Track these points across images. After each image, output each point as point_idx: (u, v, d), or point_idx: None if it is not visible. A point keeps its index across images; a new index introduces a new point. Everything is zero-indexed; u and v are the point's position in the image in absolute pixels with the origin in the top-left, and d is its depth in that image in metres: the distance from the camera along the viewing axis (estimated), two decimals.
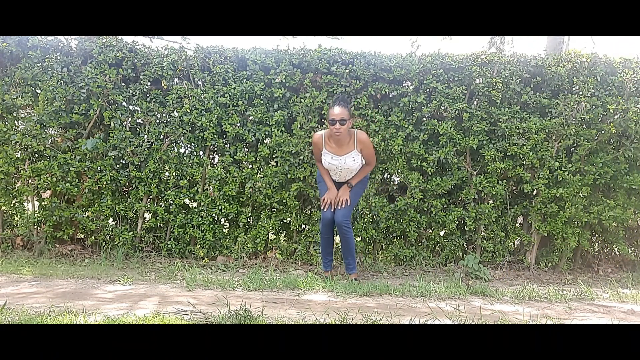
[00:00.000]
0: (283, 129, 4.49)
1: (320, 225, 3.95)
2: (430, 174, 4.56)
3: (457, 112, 4.49)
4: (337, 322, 2.54)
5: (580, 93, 4.49)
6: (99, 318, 2.44)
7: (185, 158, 4.59)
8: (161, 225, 4.64)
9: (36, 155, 4.48)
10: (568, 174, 4.40)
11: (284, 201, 4.48)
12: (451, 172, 4.59)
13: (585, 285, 3.96)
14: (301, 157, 4.45)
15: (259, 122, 4.53)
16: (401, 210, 4.50)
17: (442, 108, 4.48)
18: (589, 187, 4.46)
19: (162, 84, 4.51)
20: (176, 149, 4.64)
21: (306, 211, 4.73)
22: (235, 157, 4.54)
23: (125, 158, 4.48)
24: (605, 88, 4.51)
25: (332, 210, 3.78)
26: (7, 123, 4.41)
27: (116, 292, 3.22)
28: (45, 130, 4.46)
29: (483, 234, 4.63)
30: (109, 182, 4.41)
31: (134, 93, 4.50)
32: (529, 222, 4.72)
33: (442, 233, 4.73)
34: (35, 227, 4.48)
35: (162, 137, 4.57)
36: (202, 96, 4.47)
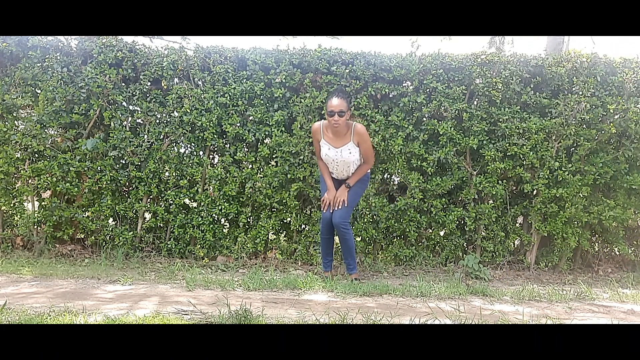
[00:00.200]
0: (283, 129, 4.49)
1: (320, 225, 3.95)
2: (430, 174, 4.56)
3: (457, 112, 4.49)
4: (337, 322, 2.54)
5: (580, 93, 4.49)
6: (99, 318, 2.44)
7: (185, 158, 4.59)
8: (161, 225, 4.64)
9: (36, 155, 4.48)
10: (568, 174, 4.40)
11: (284, 201, 4.48)
12: (451, 172, 4.59)
13: (585, 285, 3.96)
14: (301, 157, 4.45)
15: (259, 122, 4.53)
16: (401, 210, 4.50)
17: (442, 108, 4.48)
18: (589, 187, 4.46)
19: (162, 84, 4.51)
20: (176, 149, 4.64)
21: (306, 211, 4.73)
22: (235, 157, 4.54)
23: (125, 158, 4.48)
24: (605, 88, 4.51)
25: (331, 211, 3.77)
26: (7, 123, 4.41)
27: (116, 292, 3.22)
28: (45, 130, 4.46)
29: (483, 234, 4.63)
30: (109, 182, 4.41)
31: (134, 93, 4.50)
32: (529, 222, 4.72)
33: (442, 233, 4.73)
34: (35, 227, 4.48)
35: (162, 137, 4.57)
36: (202, 96, 4.47)
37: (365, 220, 4.55)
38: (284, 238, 4.82)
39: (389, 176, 4.80)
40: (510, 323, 2.69)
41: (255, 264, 4.39)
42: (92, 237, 4.51)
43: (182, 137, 4.55)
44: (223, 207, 4.46)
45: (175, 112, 4.53)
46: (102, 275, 3.74)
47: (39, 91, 4.50)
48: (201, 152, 4.68)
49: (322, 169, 3.85)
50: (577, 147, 4.54)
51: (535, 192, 4.61)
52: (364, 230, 4.48)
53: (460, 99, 4.51)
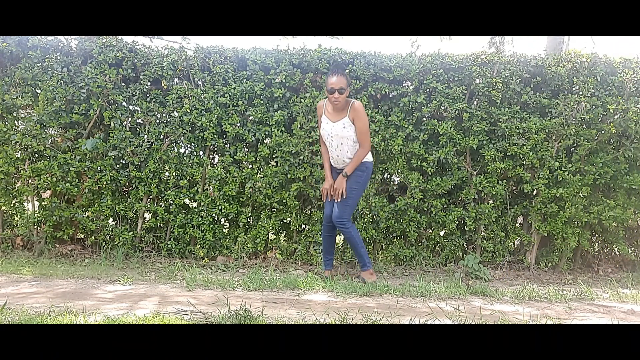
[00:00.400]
0: (283, 129, 4.49)
1: (322, 223, 3.97)
2: (430, 174, 4.56)
3: (457, 112, 4.49)
4: (337, 322, 2.54)
5: (580, 93, 4.49)
6: (99, 318, 2.44)
7: (185, 158, 4.59)
8: (161, 225, 4.64)
9: (36, 155, 4.48)
10: (568, 174, 4.40)
11: (284, 201, 4.48)
12: (451, 172, 4.59)
13: (585, 285, 3.96)
14: (301, 157, 4.45)
15: (259, 122, 4.53)
16: (401, 210, 4.50)
17: (442, 108, 4.48)
18: (589, 187, 4.46)
19: (162, 84, 4.51)
20: (176, 149, 4.64)
21: (306, 211, 4.73)
22: (235, 157, 4.54)
23: (125, 158, 4.48)
24: (605, 88, 4.51)
25: (329, 200, 3.79)
26: (7, 123, 4.41)
27: (116, 292, 3.22)
28: (45, 130, 4.46)
29: (483, 234, 4.63)
30: (109, 182, 4.41)
31: (134, 93, 4.50)
32: (529, 222, 4.72)
33: (442, 233, 4.73)
34: (35, 227, 4.48)
35: (162, 137, 4.57)
36: (202, 96, 4.47)
37: (365, 220, 4.55)
38: (284, 238, 4.82)
39: (389, 176, 4.80)
40: (510, 323, 2.69)
41: (255, 264, 4.39)
42: (92, 237, 4.51)
43: (182, 137, 4.55)
44: (223, 207, 4.46)
45: (175, 112, 4.53)
46: (102, 275, 3.74)
47: (39, 91, 4.50)
48: (201, 152, 4.68)
49: (323, 154, 3.85)
50: (577, 147, 4.54)
51: (535, 192, 4.61)
52: (364, 230, 4.48)
53: (460, 99, 4.51)
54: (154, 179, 4.46)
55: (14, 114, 4.50)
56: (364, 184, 3.82)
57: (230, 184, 4.44)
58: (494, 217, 4.54)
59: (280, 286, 3.52)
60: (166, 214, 4.51)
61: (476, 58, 4.53)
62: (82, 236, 4.74)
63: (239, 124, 4.53)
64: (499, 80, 4.43)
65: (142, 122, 4.56)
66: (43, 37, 4.45)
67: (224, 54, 4.55)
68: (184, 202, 4.61)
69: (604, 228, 4.68)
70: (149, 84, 4.52)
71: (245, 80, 4.52)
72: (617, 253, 4.98)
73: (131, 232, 4.47)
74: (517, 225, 4.84)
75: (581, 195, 4.47)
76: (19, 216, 4.55)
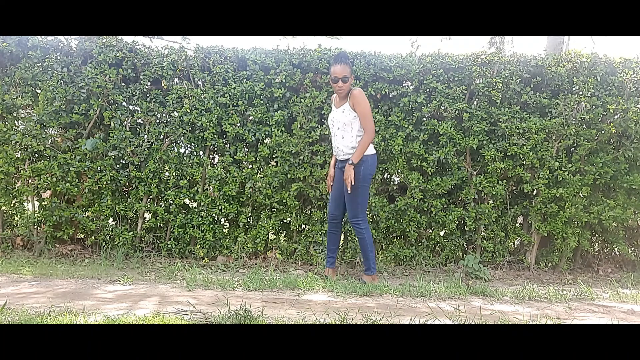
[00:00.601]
0: (283, 129, 4.49)
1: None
2: (430, 174, 4.56)
3: (457, 112, 4.49)
4: (337, 322, 2.54)
5: (580, 93, 4.49)
6: (99, 318, 2.44)
7: (185, 158, 4.60)
8: (161, 225, 4.64)
9: (36, 155, 4.48)
10: (568, 174, 4.40)
11: (284, 201, 4.48)
12: (451, 172, 4.59)
13: (585, 285, 3.96)
14: (301, 157, 4.45)
15: (259, 122, 4.53)
16: (401, 210, 4.50)
17: (442, 108, 4.48)
18: (589, 187, 4.46)
19: (162, 84, 4.51)
20: (176, 149, 4.64)
21: (306, 211, 4.73)
22: (235, 157, 4.54)
23: (125, 158, 4.48)
24: (605, 88, 4.51)
25: (329, 190, 3.91)
26: (7, 123, 4.41)
27: (116, 292, 3.22)
28: (45, 130, 4.46)
29: (483, 234, 4.63)
30: (109, 182, 4.41)
31: (134, 93, 4.50)
32: (529, 222, 4.72)
33: (442, 233, 4.73)
34: (35, 227, 4.48)
35: (162, 137, 4.57)
36: (202, 96, 4.47)
37: None
38: (284, 238, 4.82)
39: (389, 176, 4.80)
40: (510, 323, 2.69)
41: (255, 264, 4.40)
42: (92, 237, 4.51)
43: (182, 137, 4.55)
44: (223, 207, 4.46)
45: (175, 112, 4.54)
46: (102, 275, 3.74)
47: (39, 91, 4.50)
48: (201, 152, 4.68)
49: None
50: (577, 147, 4.54)
51: (535, 192, 4.61)
52: None
53: (460, 99, 4.51)
54: (154, 179, 4.46)
55: (14, 114, 4.50)
56: (366, 178, 3.68)
57: (230, 184, 4.44)
58: (494, 217, 4.54)
59: (280, 286, 3.52)
60: (166, 214, 4.51)
61: (476, 58, 4.53)
62: (82, 236, 4.74)
63: (239, 124, 4.53)
64: (499, 80, 4.43)
65: (142, 122, 4.56)
66: (43, 37, 4.45)
67: (224, 54, 4.55)
68: (184, 202, 4.61)
69: (604, 228, 4.68)
70: (149, 84, 4.52)
71: (245, 80, 4.52)
72: (617, 253, 4.98)
73: (131, 232, 4.47)
74: (517, 225, 4.84)
75: (581, 195, 4.47)
76: (19, 216, 4.56)
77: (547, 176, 4.44)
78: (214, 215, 4.53)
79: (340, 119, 3.64)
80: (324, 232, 4.46)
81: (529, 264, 4.67)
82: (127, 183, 4.58)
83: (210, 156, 4.74)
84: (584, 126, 4.53)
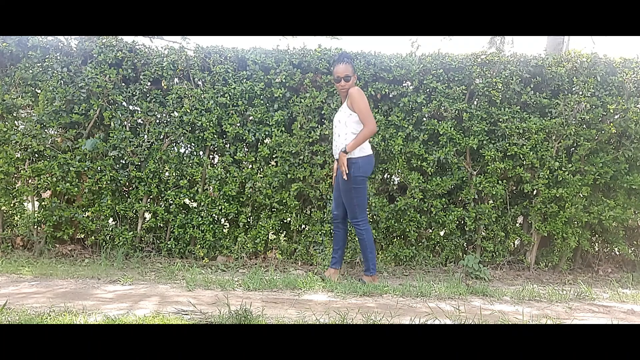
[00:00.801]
0: (283, 129, 4.49)
1: None
2: (430, 174, 4.56)
3: (457, 112, 4.49)
4: (337, 322, 2.54)
5: (580, 93, 4.49)
6: (99, 318, 2.44)
7: (185, 158, 4.60)
8: (161, 225, 4.64)
9: (36, 155, 4.48)
10: (568, 174, 4.40)
11: (284, 201, 4.48)
12: (451, 172, 4.59)
13: (585, 285, 3.96)
14: (301, 157, 4.45)
15: (259, 122, 4.53)
16: (401, 210, 4.50)
17: (442, 108, 4.48)
18: (589, 187, 4.46)
19: (162, 84, 4.51)
20: (176, 149, 4.64)
21: (306, 211, 4.73)
22: (235, 157, 4.54)
23: (125, 158, 4.48)
24: (605, 88, 4.51)
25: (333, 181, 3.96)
26: (7, 123, 4.42)
27: (116, 292, 3.22)
28: (45, 130, 4.46)
29: (483, 234, 4.63)
30: (109, 182, 4.41)
31: (134, 93, 4.51)
32: (529, 222, 4.72)
33: (442, 233, 4.73)
34: (35, 227, 4.48)
35: (162, 137, 4.57)
36: (202, 96, 4.48)
37: None
38: (284, 238, 4.82)
39: (389, 176, 4.81)
40: (510, 323, 2.69)
41: (255, 264, 4.39)
42: (92, 237, 4.51)
43: (182, 137, 4.55)
44: (223, 207, 4.46)
45: (175, 112, 4.54)
46: (102, 275, 3.74)
47: (39, 91, 4.50)
48: (201, 152, 4.68)
49: None
50: (577, 147, 4.54)
51: (535, 192, 4.61)
52: None
53: (460, 99, 4.51)
54: (154, 179, 4.46)
55: (14, 114, 4.50)
56: (357, 180, 3.62)
57: (230, 184, 4.44)
58: (494, 217, 4.54)
59: (280, 286, 3.52)
60: (166, 214, 4.51)
61: (476, 58, 4.53)
62: (82, 236, 4.74)
63: (239, 124, 4.53)
64: (499, 80, 4.43)
65: (142, 122, 4.56)
66: (43, 37, 4.45)
67: (224, 54, 4.55)
68: (184, 202, 4.61)
69: (604, 228, 4.68)
70: (149, 84, 4.52)
71: (245, 80, 4.52)
72: (617, 253, 4.98)
73: (131, 232, 4.47)
74: (517, 225, 4.84)
75: (581, 195, 4.47)
76: (19, 216, 4.56)
77: (547, 176, 4.44)
78: (214, 215, 4.53)
79: (338, 117, 3.71)
80: (324, 232, 4.46)
81: (529, 264, 4.67)
82: (127, 183, 4.58)
83: (210, 156, 4.75)
84: (584, 126, 4.53)
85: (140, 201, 4.52)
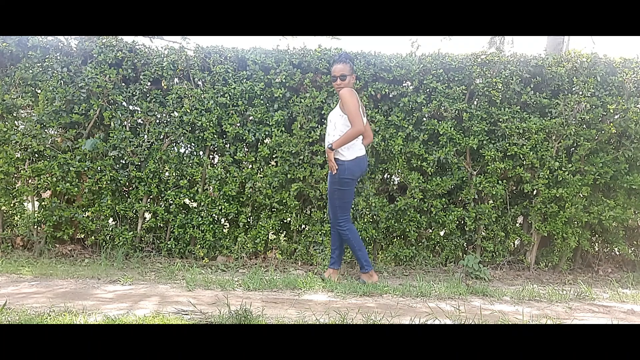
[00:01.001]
0: (283, 129, 4.49)
1: None
2: (430, 174, 4.56)
3: (457, 112, 4.49)
4: (337, 322, 2.54)
5: (580, 93, 4.49)
6: (99, 318, 2.44)
7: (185, 158, 4.60)
8: (161, 225, 4.64)
9: (36, 155, 4.48)
10: (568, 174, 4.40)
11: (284, 201, 4.48)
12: (451, 172, 4.59)
13: (585, 285, 3.96)
14: (301, 157, 4.45)
15: (259, 122, 4.53)
16: (401, 210, 4.50)
17: (442, 108, 4.48)
18: (589, 187, 4.46)
19: (162, 84, 4.51)
20: (176, 149, 4.64)
21: (306, 211, 4.73)
22: (235, 157, 4.54)
23: (125, 158, 4.48)
24: (605, 88, 4.51)
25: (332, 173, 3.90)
26: (7, 123, 4.42)
27: (116, 292, 3.22)
28: (45, 130, 4.46)
29: (483, 234, 4.63)
30: (109, 182, 4.41)
31: (134, 93, 4.50)
32: (529, 222, 4.72)
33: (442, 233, 4.73)
34: (35, 227, 4.48)
35: (162, 137, 4.57)
36: (202, 96, 4.47)
37: (365, 220, 4.55)
38: (284, 238, 4.82)
39: (389, 176, 4.81)
40: (510, 323, 2.69)
41: (255, 264, 4.40)
42: (92, 237, 4.51)
43: (182, 137, 4.55)
44: (223, 207, 4.46)
45: (175, 112, 4.54)
46: (102, 275, 3.74)
47: (39, 91, 4.50)
48: (201, 152, 4.68)
49: None
50: (577, 147, 4.54)
51: (535, 192, 4.61)
52: (363, 230, 4.48)
53: (460, 99, 4.51)
54: (154, 179, 4.46)
55: (14, 114, 4.50)
56: (342, 182, 3.64)
57: (230, 184, 4.44)
58: (494, 217, 4.54)
59: (280, 286, 3.52)
60: (166, 214, 4.51)
61: (476, 58, 4.53)
62: (82, 236, 4.74)
63: (239, 124, 4.53)
64: (499, 80, 4.43)
65: (142, 122, 4.56)
66: (43, 37, 4.45)
67: (224, 54, 4.55)
68: (184, 202, 4.61)
69: (604, 228, 4.68)
70: (149, 84, 4.52)
71: (245, 80, 4.52)
72: (617, 253, 4.98)
73: (131, 232, 4.47)
74: (517, 225, 4.84)
75: (581, 195, 4.47)
76: (19, 216, 4.56)
77: (547, 176, 4.44)
78: (214, 215, 4.53)
79: (330, 116, 3.77)
80: (324, 232, 4.46)
81: (529, 264, 4.67)
82: (127, 183, 4.58)
83: (210, 156, 4.74)
84: (584, 126, 4.53)
85: (140, 201, 4.52)
